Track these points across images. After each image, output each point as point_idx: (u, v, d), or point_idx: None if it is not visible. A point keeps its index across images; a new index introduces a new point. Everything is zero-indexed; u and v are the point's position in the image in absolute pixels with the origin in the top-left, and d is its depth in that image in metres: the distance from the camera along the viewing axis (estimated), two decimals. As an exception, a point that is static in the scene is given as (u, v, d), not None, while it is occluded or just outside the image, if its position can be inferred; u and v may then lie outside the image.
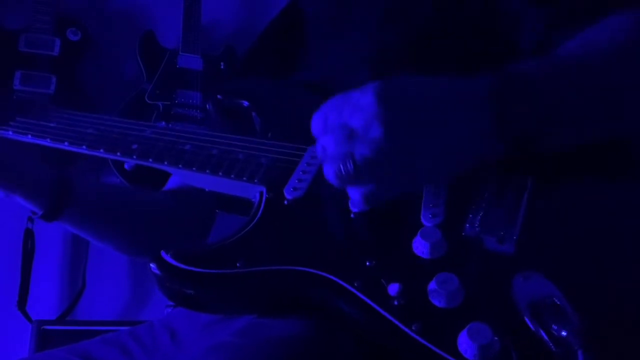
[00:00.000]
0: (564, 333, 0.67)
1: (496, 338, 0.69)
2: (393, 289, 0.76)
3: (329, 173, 0.79)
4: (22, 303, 2.53)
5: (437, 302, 0.74)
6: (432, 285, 0.75)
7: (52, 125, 1.11)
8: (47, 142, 1.09)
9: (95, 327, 2.38)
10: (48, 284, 2.75)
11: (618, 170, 0.87)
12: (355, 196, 0.81)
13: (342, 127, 0.78)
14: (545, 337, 0.68)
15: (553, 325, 0.68)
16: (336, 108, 0.80)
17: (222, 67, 2.81)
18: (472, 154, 0.80)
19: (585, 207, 0.83)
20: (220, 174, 0.98)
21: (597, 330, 0.68)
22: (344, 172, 0.77)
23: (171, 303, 1.25)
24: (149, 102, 2.69)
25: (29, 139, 1.11)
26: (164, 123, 2.60)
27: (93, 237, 1.25)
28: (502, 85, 0.79)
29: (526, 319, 0.70)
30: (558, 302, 0.70)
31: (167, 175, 1.36)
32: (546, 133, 0.81)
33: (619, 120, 0.86)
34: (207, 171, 0.99)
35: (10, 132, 1.11)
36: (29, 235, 2.59)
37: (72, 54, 2.72)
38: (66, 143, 1.08)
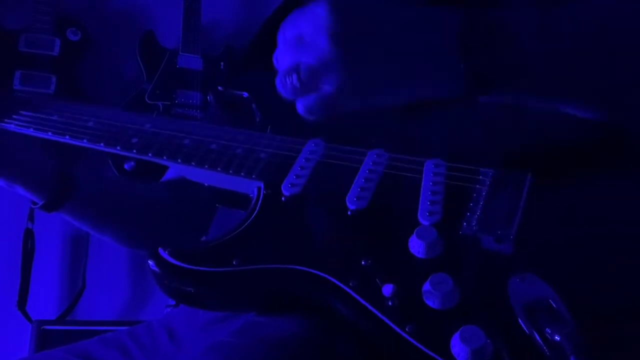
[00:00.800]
0: (557, 337, 0.66)
1: (489, 341, 0.69)
2: (387, 289, 0.76)
3: (279, 83, 0.79)
4: (22, 303, 2.53)
5: (432, 303, 0.74)
6: (426, 286, 0.75)
7: (53, 118, 1.11)
8: (48, 135, 1.09)
9: (95, 327, 2.38)
10: (48, 284, 2.76)
11: (619, 168, 0.85)
12: (299, 107, 0.80)
13: (293, 37, 0.78)
14: (539, 341, 0.67)
15: (547, 329, 0.67)
16: (292, 19, 0.80)
17: (222, 67, 2.81)
18: (426, 77, 0.78)
19: (586, 207, 0.82)
20: (219, 169, 0.97)
21: (593, 335, 0.68)
22: (289, 83, 0.77)
23: (171, 303, 1.24)
24: (149, 102, 2.70)
25: (30, 132, 1.11)
26: (165, 118, 2.62)
27: (93, 229, 1.25)
28: (472, 20, 0.76)
29: (520, 321, 0.70)
30: (554, 305, 0.69)
31: (164, 172, 1.36)
32: (509, 74, 0.77)
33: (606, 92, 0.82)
34: (206, 166, 0.98)
35: (13, 125, 1.11)
36: (29, 235, 2.59)
37: (72, 54, 2.72)
38: (67, 136, 1.08)
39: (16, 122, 1.12)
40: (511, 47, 0.77)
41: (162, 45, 2.84)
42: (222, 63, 2.83)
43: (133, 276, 2.85)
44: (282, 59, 0.80)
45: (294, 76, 0.77)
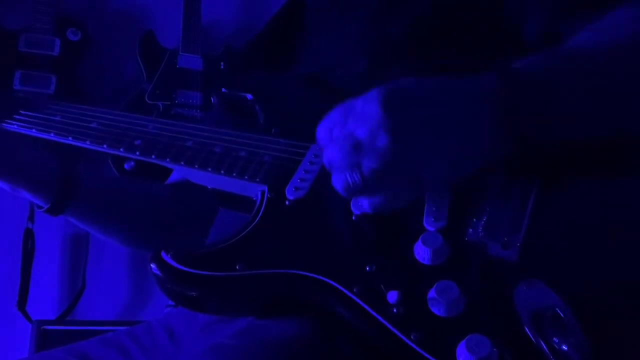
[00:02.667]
0: (564, 347, 0.66)
1: (495, 350, 0.68)
2: (392, 296, 0.75)
3: (337, 184, 0.78)
4: (22, 303, 2.53)
5: (437, 310, 0.73)
6: (431, 293, 0.74)
7: (56, 119, 1.10)
8: (51, 136, 1.08)
9: (95, 327, 2.38)
10: (48, 284, 2.75)
11: (629, 175, 0.84)
12: (364, 205, 0.81)
13: (347, 138, 0.77)
14: (546, 350, 0.67)
15: (554, 338, 0.67)
16: (340, 118, 0.79)
17: (222, 67, 2.80)
18: (480, 156, 0.79)
19: (594, 213, 0.81)
20: (222, 172, 0.96)
21: (601, 344, 0.67)
22: (351, 184, 0.76)
23: (171, 303, 1.24)
24: (149, 102, 2.69)
25: (33, 132, 1.10)
26: (167, 120, 2.61)
27: (98, 231, 1.25)
28: (507, 84, 0.78)
29: (527, 330, 0.69)
30: (561, 314, 0.69)
31: (166, 175, 1.36)
32: (554, 131, 0.80)
33: (631, 115, 0.84)
34: (209, 169, 0.97)
35: (15, 126, 1.11)
36: (29, 235, 2.59)
37: (72, 54, 2.72)
38: (70, 138, 1.07)
39: (18, 123, 1.11)
40: (545, 100, 0.79)
41: (162, 45, 2.83)
42: (222, 63, 2.82)
43: (133, 276, 2.84)
44: (335, 156, 0.78)
45: (357, 176, 0.76)
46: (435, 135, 0.76)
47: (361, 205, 0.82)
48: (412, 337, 0.72)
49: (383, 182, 0.77)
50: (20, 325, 2.51)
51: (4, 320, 2.62)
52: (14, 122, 1.11)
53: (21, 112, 1.12)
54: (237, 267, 0.82)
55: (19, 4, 2.71)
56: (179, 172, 1.27)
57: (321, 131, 0.81)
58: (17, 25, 2.67)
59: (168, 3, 2.89)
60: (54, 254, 2.79)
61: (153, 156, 1.02)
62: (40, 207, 1.13)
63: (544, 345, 0.67)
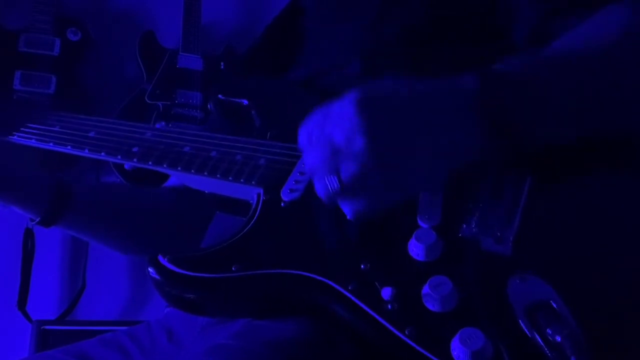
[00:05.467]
0: (558, 338, 0.66)
1: (489, 343, 0.69)
2: (386, 292, 0.76)
3: (319, 190, 0.79)
4: (22, 303, 2.53)
5: (431, 306, 0.74)
6: (425, 289, 0.75)
7: (55, 129, 1.12)
8: (50, 146, 1.10)
9: (95, 327, 2.38)
10: (48, 284, 2.75)
11: (620, 168, 0.85)
12: (347, 211, 0.81)
13: (325, 142, 0.77)
14: (540, 342, 0.67)
15: (548, 330, 0.67)
16: (318, 123, 0.79)
17: (222, 67, 2.80)
18: (459, 156, 0.79)
19: (586, 207, 0.82)
20: (218, 176, 0.97)
21: (594, 335, 0.67)
22: (330, 189, 0.77)
23: (171, 303, 1.23)
24: (149, 102, 2.69)
25: (33, 143, 1.12)
26: (163, 123, 2.61)
27: (92, 240, 1.25)
28: (486, 83, 0.78)
29: (521, 323, 0.70)
30: (554, 305, 0.69)
31: (166, 176, 1.36)
32: (534, 130, 0.80)
33: (616, 115, 0.84)
34: (205, 173, 0.99)
35: (15, 137, 1.13)
36: (29, 235, 2.59)
37: (72, 54, 2.72)
38: (69, 147, 1.09)
39: (18, 134, 1.13)
40: (528, 100, 0.79)
41: (162, 45, 2.84)
42: (222, 63, 2.82)
43: (133, 276, 2.84)
44: (314, 162, 0.79)
45: (335, 182, 0.76)
46: (412, 137, 0.76)
47: (345, 212, 0.82)
48: (406, 333, 0.73)
49: (362, 186, 0.76)
50: (20, 325, 2.51)
51: (4, 320, 2.62)
52: (15, 134, 1.12)
53: (28, 124, 1.14)
54: (233, 269, 0.83)
55: (19, 4, 2.71)
56: (177, 178, 1.28)
57: (301, 136, 0.82)
58: (17, 25, 2.67)
59: (168, 3, 2.89)
60: (54, 254, 2.79)
61: (150, 162, 1.03)
62: (32, 220, 1.14)
63: (538, 337, 0.68)
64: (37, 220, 1.13)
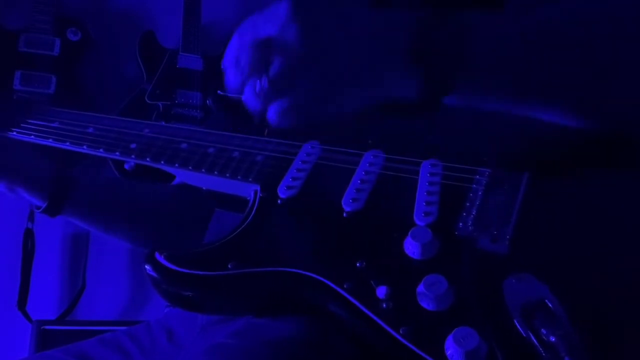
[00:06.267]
0: (552, 338, 0.66)
1: (483, 343, 0.68)
2: (381, 291, 0.75)
3: (247, 95, 0.77)
4: (22, 303, 2.53)
5: (426, 304, 0.73)
6: (420, 287, 0.74)
7: (54, 125, 1.12)
8: (49, 142, 1.11)
9: (95, 327, 2.38)
10: (48, 284, 2.76)
11: (618, 167, 0.84)
12: (271, 113, 0.78)
13: (255, 39, 0.75)
14: (535, 341, 0.67)
15: (542, 329, 0.67)
16: (250, 23, 0.78)
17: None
18: (386, 78, 0.78)
19: (582, 206, 0.81)
20: (216, 172, 0.97)
21: (589, 335, 0.67)
22: (259, 89, 0.75)
23: (171, 303, 1.23)
24: (149, 102, 2.69)
25: (32, 139, 1.12)
26: (163, 123, 2.61)
27: (98, 229, 1.26)
28: (427, 21, 0.77)
29: (516, 323, 0.69)
30: (550, 305, 0.69)
31: (166, 175, 1.36)
32: (465, 78, 0.78)
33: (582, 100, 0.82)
34: (203, 170, 0.99)
35: (15, 133, 1.13)
36: (29, 235, 2.60)
37: (72, 54, 2.72)
38: (68, 143, 1.09)
39: (18, 130, 1.13)
40: (466, 49, 0.77)
41: (162, 45, 2.84)
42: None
43: (133, 276, 2.85)
44: (244, 60, 0.76)
45: (264, 79, 0.75)
46: (340, 47, 0.75)
47: (270, 118, 0.79)
48: (401, 332, 0.72)
49: (291, 80, 0.75)
50: (20, 325, 2.51)
51: (4, 320, 2.62)
52: (15, 129, 1.13)
53: (23, 120, 1.15)
54: (229, 266, 0.83)
55: (19, 4, 2.72)
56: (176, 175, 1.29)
57: (231, 44, 0.78)
58: (17, 25, 2.67)
59: (168, 3, 2.89)
60: (54, 254, 2.79)
61: (148, 159, 1.03)
62: (38, 208, 1.15)
63: (532, 336, 0.67)
64: (42, 207, 1.13)
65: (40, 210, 1.15)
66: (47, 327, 2.37)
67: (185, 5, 2.81)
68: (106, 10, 2.94)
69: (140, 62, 2.79)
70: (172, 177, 1.35)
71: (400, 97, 0.79)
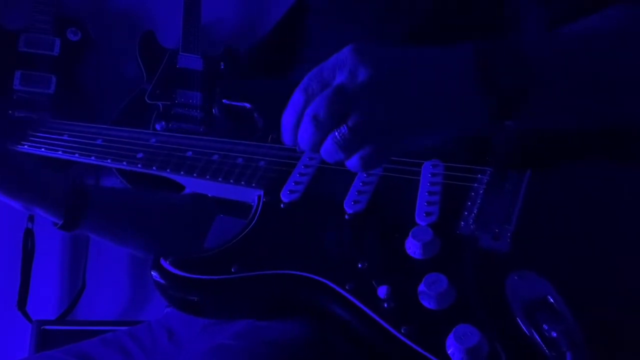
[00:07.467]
0: (554, 334, 0.66)
1: (485, 340, 0.68)
2: (382, 291, 0.76)
3: (328, 147, 0.74)
4: (22, 303, 2.53)
5: (427, 303, 0.74)
6: (421, 286, 0.75)
7: (64, 137, 1.14)
8: (59, 155, 1.13)
9: (95, 327, 2.38)
10: (48, 284, 2.75)
11: (620, 163, 0.85)
12: (355, 163, 0.76)
13: (327, 89, 0.73)
14: (537, 337, 0.67)
15: (544, 325, 0.67)
16: (315, 76, 0.76)
17: (222, 67, 2.80)
18: (458, 109, 0.77)
19: (584, 204, 0.82)
20: (220, 179, 0.99)
21: (591, 331, 0.67)
22: (340, 138, 0.73)
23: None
24: (149, 102, 2.69)
25: (42, 152, 1.14)
26: (163, 123, 2.61)
27: (116, 242, 1.26)
28: (488, 46, 0.77)
29: (519, 320, 0.70)
30: (552, 300, 0.69)
31: (177, 185, 1.37)
32: (531, 102, 0.78)
33: (611, 104, 0.84)
34: (207, 177, 1.00)
35: (26, 146, 1.15)
36: (29, 235, 2.59)
37: (72, 54, 2.72)
38: (76, 155, 1.11)
39: (29, 143, 1.15)
40: (536, 70, 0.77)
41: (162, 45, 2.83)
42: (222, 63, 2.82)
43: (133, 276, 2.84)
44: (321, 108, 0.73)
45: (344, 128, 0.72)
46: (413, 71, 0.75)
47: (353, 167, 0.77)
48: (402, 331, 0.73)
49: (373, 126, 0.73)
50: (20, 325, 2.51)
51: (4, 320, 2.62)
52: (25, 143, 1.14)
53: (30, 133, 1.16)
54: (232, 270, 0.84)
55: (19, 4, 2.71)
56: (181, 182, 1.29)
57: (297, 97, 0.76)
58: (17, 25, 2.67)
59: (168, 3, 2.89)
60: (54, 254, 2.79)
61: (154, 168, 1.05)
62: (55, 224, 1.14)
63: (534, 332, 0.68)
64: (60, 224, 1.13)
65: (57, 227, 1.15)
66: (47, 327, 2.36)
67: (185, 5, 2.80)
68: (106, 10, 2.94)
69: (140, 62, 2.79)
70: (182, 187, 1.37)
71: (472, 127, 0.79)
